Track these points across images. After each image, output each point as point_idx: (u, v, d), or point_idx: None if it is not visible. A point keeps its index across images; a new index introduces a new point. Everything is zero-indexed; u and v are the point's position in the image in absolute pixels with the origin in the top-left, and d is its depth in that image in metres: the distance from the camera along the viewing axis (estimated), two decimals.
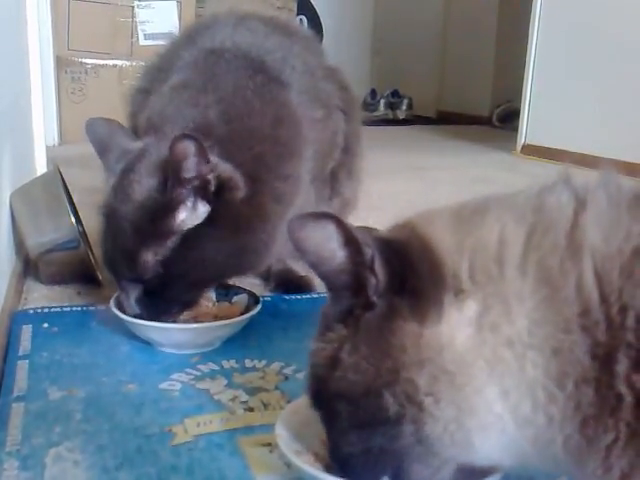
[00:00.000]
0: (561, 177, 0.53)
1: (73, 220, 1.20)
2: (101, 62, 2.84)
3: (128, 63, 2.80)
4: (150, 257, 0.93)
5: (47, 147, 2.08)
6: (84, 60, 2.83)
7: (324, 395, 0.57)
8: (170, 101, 1.05)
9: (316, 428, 0.67)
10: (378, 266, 0.52)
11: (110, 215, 0.97)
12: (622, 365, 0.45)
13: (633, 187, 0.50)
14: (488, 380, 0.49)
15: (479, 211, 0.53)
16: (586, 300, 0.46)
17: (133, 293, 0.96)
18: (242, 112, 1.03)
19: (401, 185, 2.24)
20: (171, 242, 0.93)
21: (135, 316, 0.96)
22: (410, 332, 0.51)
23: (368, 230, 0.57)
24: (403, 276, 0.52)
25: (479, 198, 0.56)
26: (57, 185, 1.24)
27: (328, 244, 0.52)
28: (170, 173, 0.91)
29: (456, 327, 0.50)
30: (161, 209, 0.93)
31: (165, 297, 0.97)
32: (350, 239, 0.52)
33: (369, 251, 0.52)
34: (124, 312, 0.97)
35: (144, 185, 0.94)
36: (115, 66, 2.84)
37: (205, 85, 1.05)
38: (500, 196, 0.55)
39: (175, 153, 0.89)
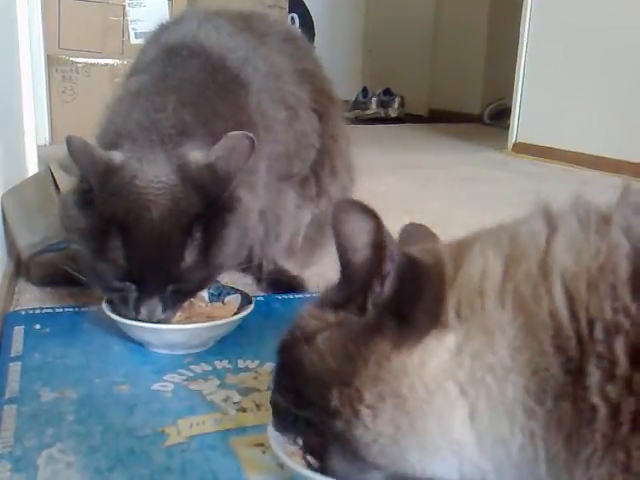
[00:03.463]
0: (537, 206, 0.54)
1: None
2: (92, 61, 2.83)
3: (119, 62, 2.80)
4: (192, 257, 0.94)
5: (38, 146, 2.08)
6: (75, 59, 2.82)
7: (288, 352, 0.59)
8: (132, 107, 1.03)
9: None
10: (389, 281, 0.54)
11: (145, 224, 0.92)
12: (594, 377, 0.46)
13: (601, 210, 0.51)
14: (454, 404, 0.50)
15: (469, 243, 0.55)
16: (558, 321, 0.48)
17: (158, 298, 0.94)
18: (207, 114, 1.04)
19: (392, 183, 2.24)
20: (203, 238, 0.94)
21: (153, 322, 0.95)
22: (380, 351, 0.53)
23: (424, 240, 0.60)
24: (405, 301, 0.53)
25: (476, 232, 0.58)
26: (48, 186, 1.24)
27: (361, 237, 0.54)
28: (219, 181, 0.94)
29: (431, 355, 0.51)
30: (212, 213, 0.94)
31: (190, 293, 0.99)
32: (380, 244, 0.53)
33: (389, 265, 0.53)
34: (129, 318, 0.96)
35: (180, 195, 0.93)
36: (106, 65, 2.84)
37: (165, 86, 1.05)
38: (490, 228, 0.57)
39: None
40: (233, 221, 0.98)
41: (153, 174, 0.93)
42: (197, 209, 0.93)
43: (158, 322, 0.96)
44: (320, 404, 0.55)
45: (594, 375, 0.46)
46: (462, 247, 0.55)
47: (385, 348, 0.53)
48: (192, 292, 1.01)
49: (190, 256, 0.93)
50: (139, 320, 0.95)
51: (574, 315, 0.47)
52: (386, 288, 0.54)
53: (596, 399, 0.46)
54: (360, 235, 0.54)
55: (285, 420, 0.61)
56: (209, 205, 0.94)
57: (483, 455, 0.51)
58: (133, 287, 0.94)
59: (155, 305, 0.95)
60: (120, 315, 0.97)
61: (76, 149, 0.91)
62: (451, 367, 0.50)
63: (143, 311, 0.95)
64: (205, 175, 0.94)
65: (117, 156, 0.94)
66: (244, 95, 1.10)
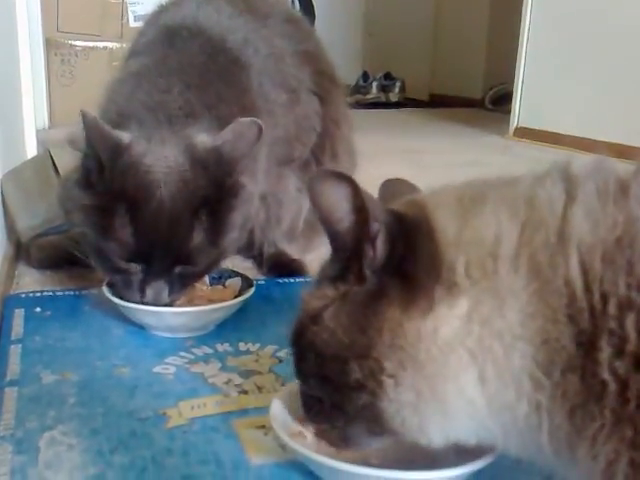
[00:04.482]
0: (556, 166, 0.53)
1: None
2: (91, 44, 2.81)
3: (118, 45, 2.77)
4: (200, 238, 0.93)
5: (37, 130, 2.07)
6: (74, 42, 2.79)
7: (299, 339, 0.58)
8: (135, 88, 1.02)
9: None
10: (380, 242, 0.53)
11: (154, 203, 0.91)
12: (605, 352, 0.45)
13: (621, 177, 0.51)
14: (466, 368, 0.50)
15: (477, 200, 0.53)
16: (572, 290, 0.47)
17: (164, 280, 0.94)
18: (212, 97, 1.03)
19: (393, 168, 2.21)
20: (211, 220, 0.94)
21: (158, 305, 0.95)
22: (391, 317, 0.52)
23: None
24: (401, 258, 0.53)
25: (478, 182, 0.57)
26: (48, 168, 1.23)
27: (341, 205, 0.53)
28: (225, 165, 0.94)
29: (443, 321, 0.51)
30: (217, 197, 0.94)
31: (195, 276, 0.99)
32: (361, 207, 0.52)
33: (376, 225, 0.52)
34: (134, 301, 0.95)
35: (188, 176, 0.92)
36: (105, 48, 2.81)
37: (168, 68, 1.04)
38: (498, 184, 0.55)
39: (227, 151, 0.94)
40: (237, 206, 0.97)
41: (161, 154, 0.93)
42: (204, 191, 0.93)
43: (164, 306, 0.95)
44: (342, 381, 0.54)
45: (605, 350, 0.45)
46: (467, 201, 0.54)
47: (394, 313, 0.52)
48: (197, 276, 1.00)
49: (197, 237, 0.93)
50: (144, 303, 0.94)
51: (588, 288, 0.47)
52: (378, 250, 0.53)
53: (606, 375, 0.45)
54: (339, 203, 0.53)
55: (316, 410, 0.60)
56: (215, 188, 0.94)
57: (492, 418, 0.51)
58: (139, 268, 0.93)
59: (161, 287, 0.94)
60: (123, 298, 0.97)
61: (90, 124, 0.90)
62: (461, 333, 0.50)
63: (149, 293, 0.94)
64: (212, 159, 0.94)
65: (125, 135, 0.93)
66: (245, 77, 1.10)
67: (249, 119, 0.96)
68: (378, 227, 0.52)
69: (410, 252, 0.52)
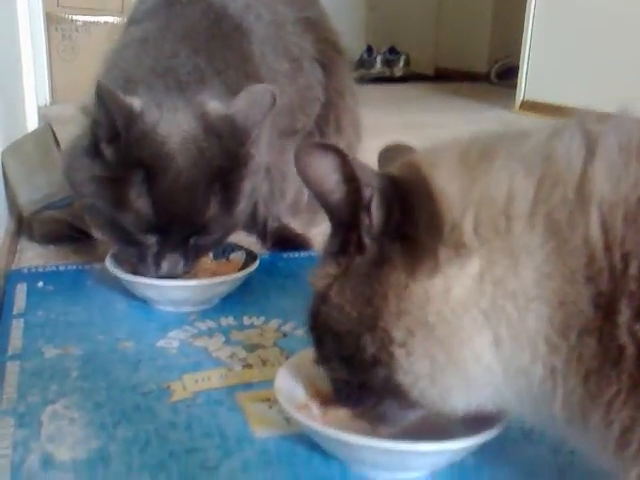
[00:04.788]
0: (574, 119, 0.51)
1: None
2: (92, 19, 2.78)
3: (119, 20, 2.74)
4: (215, 208, 0.92)
5: (39, 107, 2.05)
6: (75, 17, 2.77)
7: (315, 322, 0.57)
8: (141, 53, 1.00)
9: (314, 383, 0.67)
10: (375, 207, 0.51)
11: (172, 172, 0.89)
12: (624, 315, 0.44)
13: None
14: (480, 331, 0.48)
15: (486, 156, 0.51)
16: (592, 250, 0.45)
17: (180, 252, 0.93)
18: (220, 63, 1.01)
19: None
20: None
21: (173, 277, 0.93)
22: (395, 282, 0.51)
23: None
24: (399, 222, 0.51)
25: (485, 138, 0.54)
26: (49, 141, 1.21)
27: (330, 176, 0.52)
28: (238, 134, 0.92)
29: (454, 281, 0.49)
30: (230, 166, 0.93)
31: (207, 248, 0.98)
32: (351, 175, 0.51)
33: (368, 191, 0.51)
34: (147, 275, 0.94)
35: (204, 144, 0.91)
36: (106, 23, 2.78)
37: (172, 34, 1.01)
38: (508, 137, 0.53)
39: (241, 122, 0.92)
40: (247, 175, 0.96)
41: (175, 122, 0.90)
42: (219, 161, 0.91)
43: (176, 278, 0.94)
44: (360, 357, 0.53)
45: (624, 313, 0.44)
46: (474, 158, 0.51)
47: (399, 277, 0.51)
48: (209, 247, 0.99)
49: (213, 207, 0.92)
50: (159, 276, 0.93)
51: (608, 248, 0.45)
52: (375, 217, 0.52)
53: (625, 338, 0.44)
54: (329, 175, 0.52)
55: (346, 393, 0.59)
56: (229, 157, 0.92)
57: (507, 384, 0.50)
58: (154, 240, 0.92)
59: (177, 260, 0.93)
60: (136, 272, 0.95)
61: (103, 89, 0.86)
62: (474, 293, 0.48)
63: (164, 265, 0.92)
64: (226, 127, 0.92)
65: (135, 101, 0.90)
66: (247, 44, 1.07)
67: (262, 86, 0.94)
68: (371, 192, 0.51)
69: (408, 214, 0.51)
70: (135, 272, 0.95)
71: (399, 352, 0.51)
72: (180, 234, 0.92)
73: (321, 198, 0.54)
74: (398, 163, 0.56)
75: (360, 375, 0.55)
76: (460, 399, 0.52)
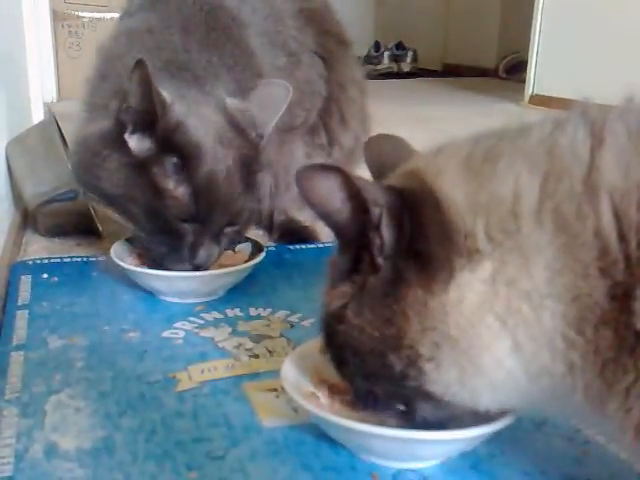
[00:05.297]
0: (576, 109, 0.50)
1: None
2: (98, 15, 2.78)
3: None
4: (245, 198, 0.94)
5: (45, 103, 2.04)
6: (81, 14, 2.76)
7: (332, 341, 0.56)
8: (151, 44, 0.98)
9: (321, 372, 0.66)
10: (385, 227, 0.50)
11: (215, 166, 0.90)
12: None
13: None
14: (498, 336, 0.47)
15: (490, 158, 0.50)
16: (605, 241, 0.44)
17: (215, 241, 0.94)
18: (227, 58, 1.01)
19: (406, 136, 2.19)
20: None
21: (207, 267, 0.94)
22: (414, 300, 0.50)
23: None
24: (411, 238, 0.50)
25: (487, 137, 0.53)
26: (53, 135, 1.21)
27: (335, 196, 0.50)
28: (258, 128, 0.95)
29: (466, 289, 0.48)
30: (254, 157, 0.95)
31: (234, 238, 0.99)
32: (356, 194, 0.50)
33: (377, 210, 0.50)
34: (179, 267, 0.93)
35: (231, 136, 0.93)
36: (112, 19, 2.76)
37: (177, 26, 1.01)
38: (510, 135, 0.52)
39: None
40: (261, 168, 0.98)
41: (202, 114, 0.91)
42: (245, 151, 0.93)
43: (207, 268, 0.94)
44: (387, 374, 0.52)
45: None
46: (477, 163, 0.50)
47: (417, 295, 0.50)
48: (235, 238, 1.00)
49: (244, 197, 0.93)
50: (195, 265, 0.92)
51: (622, 237, 0.44)
52: (386, 237, 0.50)
53: None
54: (333, 194, 0.50)
55: (372, 401, 0.57)
56: (250, 150, 0.94)
57: (530, 385, 0.49)
58: (191, 229, 0.91)
59: (213, 249, 0.93)
60: (165, 264, 0.93)
61: (144, 75, 0.84)
62: (488, 298, 0.47)
63: (201, 255, 0.92)
64: (246, 121, 0.94)
65: (164, 92, 0.89)
66: (245, 38, 1.06)
67: (278, 81, 0.96)
68: (380, 211, 0.50)
69: (419, 229, 0.50)
70: (160, 263, 0.94)
71: (428, 366, 0.50)
72: (218, 223, 0.92)
73: (327, 219, 0.53)
74: (400, 172, 0.55)
75: (388, 388, 0.54)
76: (491, 400, 0.52)
